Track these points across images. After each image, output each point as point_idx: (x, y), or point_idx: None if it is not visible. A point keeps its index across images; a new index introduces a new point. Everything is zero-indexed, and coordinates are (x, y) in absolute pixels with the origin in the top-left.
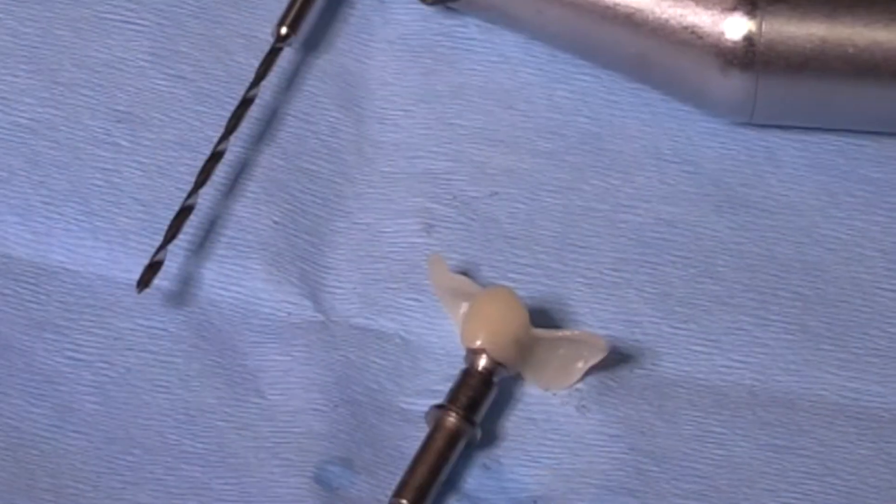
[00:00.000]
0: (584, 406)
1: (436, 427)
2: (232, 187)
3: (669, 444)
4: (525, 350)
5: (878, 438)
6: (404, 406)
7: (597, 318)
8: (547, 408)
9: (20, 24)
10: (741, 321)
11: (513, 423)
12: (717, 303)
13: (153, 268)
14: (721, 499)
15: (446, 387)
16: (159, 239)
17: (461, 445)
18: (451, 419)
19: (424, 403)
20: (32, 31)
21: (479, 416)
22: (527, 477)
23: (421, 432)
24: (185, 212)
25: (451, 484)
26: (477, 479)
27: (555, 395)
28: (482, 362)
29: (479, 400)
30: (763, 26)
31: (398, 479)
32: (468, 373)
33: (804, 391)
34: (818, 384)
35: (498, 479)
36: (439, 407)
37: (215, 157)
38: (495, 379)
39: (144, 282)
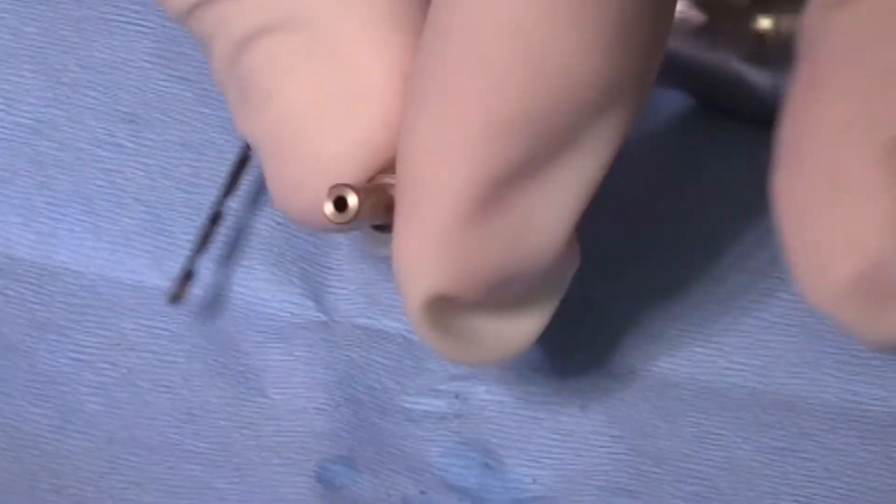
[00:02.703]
0: (586, 406)
1: None
2: (233, 188)
3: (671, 445)
4: None
5: (879, 441)
6: (407, 405)
7: None
8: (549, 407)
9: (23, 24)
10: (743, 322)
11: (515, 422)
12: (720, 304)
13: (184, 280)
14: (721, 501)
15: (449, 386)
16: (162, 240)
17: None
18: None
19: (427, 402)
20: (36, 31)
21: None
22: (528, 477)
23: (424, 431)
24: (214, 220)
25: (452, 484)
26: (479, 479)
27: (557, 394)
28: None
29: None
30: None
31: (401, 477)
32: None
33: (806, 393)
34: (820, 386)
35: (500, 479)
36: None
37: (243, 162)
38: None
39: (177, 295)
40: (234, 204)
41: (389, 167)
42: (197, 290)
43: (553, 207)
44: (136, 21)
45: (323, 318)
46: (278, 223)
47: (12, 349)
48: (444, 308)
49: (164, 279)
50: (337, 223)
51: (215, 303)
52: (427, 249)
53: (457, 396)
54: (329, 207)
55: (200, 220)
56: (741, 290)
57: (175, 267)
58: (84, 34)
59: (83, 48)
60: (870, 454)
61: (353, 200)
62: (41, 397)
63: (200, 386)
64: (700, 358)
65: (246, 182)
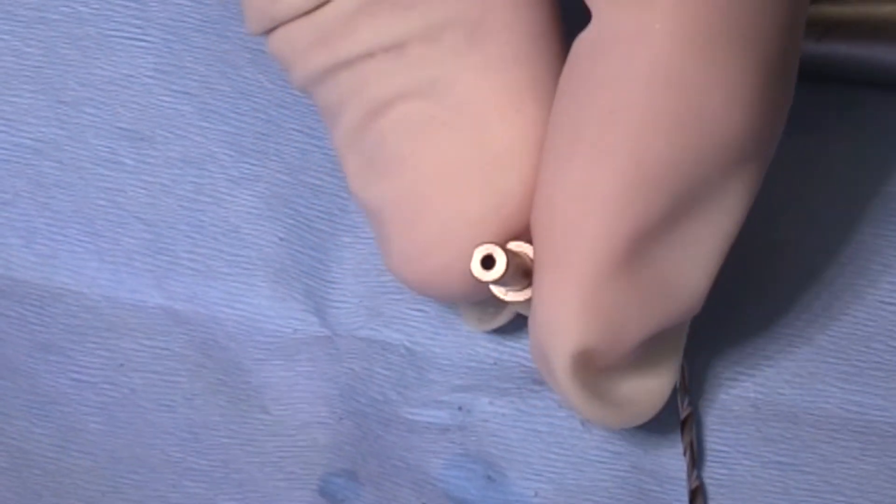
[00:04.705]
0: (588, 421)
1: None
2: (235, 204)
3: (671, 462)
4: None
5: (881, 453)
6: (409, 417)
7: None
8: (551, 420)
9: (24, 44)
10: (745, 333)
11: (518, 434)
12: (722, 315)
13: None
14: None
15: (452, 397)
16: (164, 258)
17: None
18: None
19: (429, 414)
20: (37, 51)
21: None
22: (530, 490)
23: (426, 443)
24: None
25: (454, 496)
26: (480, 491)
27: (560, 408)
28: None
29: None
30: None
31: (403, 489)
32: None
33: (808, 404)
34: (822, 397)
35: (502, 492)
36: None
37: None
38: None
39: None
40: (237, 220)
41: (521, 234)
42: (199, 308)
43: (693, 260)
44: (137, 37)
45: (326, 332)
46: (281, 239)
47: (14, 370)
48: (588, 367)
49: (165, 298)
50: (484, 281)
51: (217, 320)
52: (573, 304)
53: (460, 408)
54: (477, 265)
55: (202, 237)
56: (743, 301)
57: (177, 285)
58: (85, 52)
59: (83, 66)
60: (871, 466)
61: (501, 259)
62: (43, 417)
63: (202, 404)
64: (701, 370)
65: (251, 199)
